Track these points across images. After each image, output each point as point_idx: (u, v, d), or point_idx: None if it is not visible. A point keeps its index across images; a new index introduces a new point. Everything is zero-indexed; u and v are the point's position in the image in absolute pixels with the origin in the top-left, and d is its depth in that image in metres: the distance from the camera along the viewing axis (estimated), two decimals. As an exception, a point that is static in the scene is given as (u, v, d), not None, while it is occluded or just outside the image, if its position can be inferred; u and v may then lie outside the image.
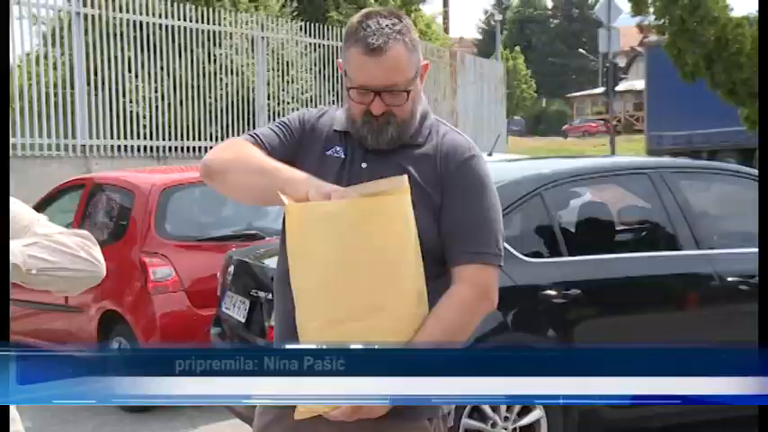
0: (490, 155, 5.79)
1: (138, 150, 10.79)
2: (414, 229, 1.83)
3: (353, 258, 1.78)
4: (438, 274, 1.90)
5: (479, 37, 63.24)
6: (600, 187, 5.35)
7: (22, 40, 10.03)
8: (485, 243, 1.91)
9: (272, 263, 4.12)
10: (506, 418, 3.82)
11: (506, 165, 5.04)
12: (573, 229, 4.55)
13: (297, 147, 1.99)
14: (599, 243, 4.53)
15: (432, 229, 1.90)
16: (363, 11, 1.95)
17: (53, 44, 10.49)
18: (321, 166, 1.96)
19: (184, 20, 11.26)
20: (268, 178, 1.84)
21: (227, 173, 1.91)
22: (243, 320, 4.20)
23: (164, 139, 11.07)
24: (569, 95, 54.91)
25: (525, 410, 3.86)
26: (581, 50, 55.73)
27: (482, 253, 1.90)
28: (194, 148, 11.38)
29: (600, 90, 43.26)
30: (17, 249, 1.76)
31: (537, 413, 3.85)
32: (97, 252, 1.88)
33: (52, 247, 1.81)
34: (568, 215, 4.69)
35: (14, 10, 9.73)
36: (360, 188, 1.85)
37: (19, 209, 1.90)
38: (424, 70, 1.96)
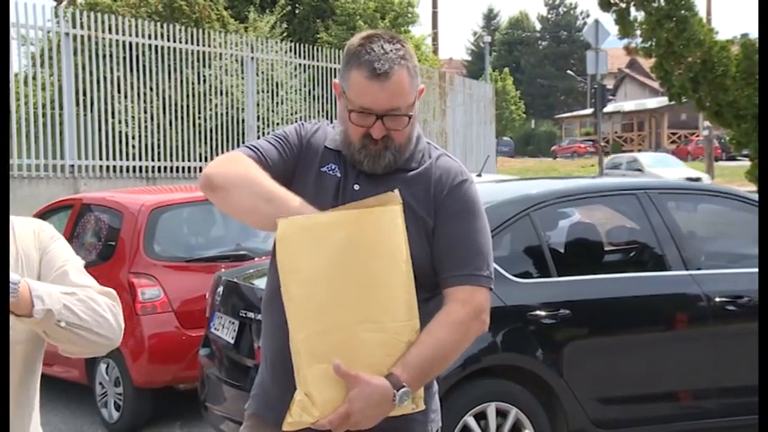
0: (479, 175, 5.83)
1: (127, 171, 10.77)
2: (405, 242, 1.84)
3: (343, 270, 1.79)
4: (427, 299, 1.92)
5: (468, 58, 63.60)
6: (588, 208, 5.38)
7: (11, 62, 10.02)
8: (477, 266, 1.93)
9: (261, 284, 4.11)
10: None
11: (495, 185, 5.06)
12: (561, 250, 4.57)
13: (295, 161, 1.99)
14: (587, 263, 4.55)
15: (423, 252, 1.91)
16: (364, 33, 1.96)
17: (42, 65, 10.50)
18: (318, 183, 1.97)
19: (174, 41, 11.29)
20: (274, 207, 1.83)
21: (231, 191, 1.87)
22: (232, 341, 4.18)
23: (153, 160, 11.06)
24: (558, 116, 55.24)
25: (515, 430, 3.85)
26: (569, 72, 56.12)
27: (475, 275, 1.92)
28: (184, 168, 11.37)
29: (588, 111, 43.57)
30: (56, 295, 1.61)
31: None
32: (120, 319, 1.75)
33: (87, 303, 1.66)
34: (557, 236, 4.71)
35: (4, 30, 9.72)
36: (352, 206, 1.86)
37: (58, 248, 1.78)
38: (419, 94, 1.97)
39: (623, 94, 51.92)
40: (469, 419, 3.76)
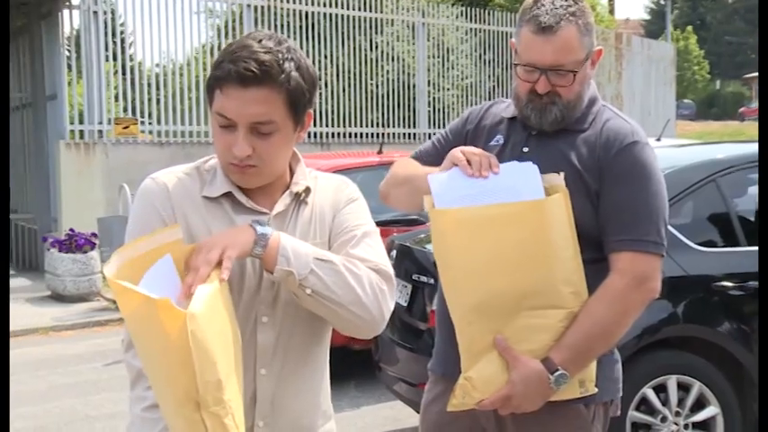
0: (659, 140, 5.55)
1: (303, 137, 11.16)
2: (570, 227, 1.80)
3: (502, 263, 1.78)
4: (596, 260, 1.88)
5: (647, 17, 60.61)
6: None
7: (199, 33, 10.63)
8: (643, 231, 1.87)
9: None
10: (677, 413, 3.66)
11: (677, 150, 4.82)
12: (752, 218, 4.28)
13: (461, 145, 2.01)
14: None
15: (586, 214, 1.87)
16: None
17: (226, 35, 11.03)
18: None
19: (347, 8, 11.52)
20: (408, 185, 2.02)
21: (389, 193, 2.13)
22: (405, 304, 4.25)
23: (327, 126, 11.39)
24: (747, 76, 51.59)
25: (699, 406, 3.68)
26: (760, 28, 52.09)
27: (638, 240, 1.87)
28: (356, 134, 11.64)
29: (781, 70, 40.33)
30: (306, 259, 1.48)
31: (712, 409, 3.66)
32: (387, 303, 1.55)
33: (344, 276, 1.50)
34: (746, 203, 4.41)
35: (192, 4, 10.29)
36: (515, 169, 1.83)
37: (352, 211, 1.64)
38: (597, 56, 1.95)
39: (822, 50, 47.65)
40: (648, 391, 3.63)
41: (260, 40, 1.51)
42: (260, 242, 1.46)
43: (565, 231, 1.80)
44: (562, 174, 1.84)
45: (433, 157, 2.06)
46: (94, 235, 8.52)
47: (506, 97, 2.13)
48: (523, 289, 1.79)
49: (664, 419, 3.65)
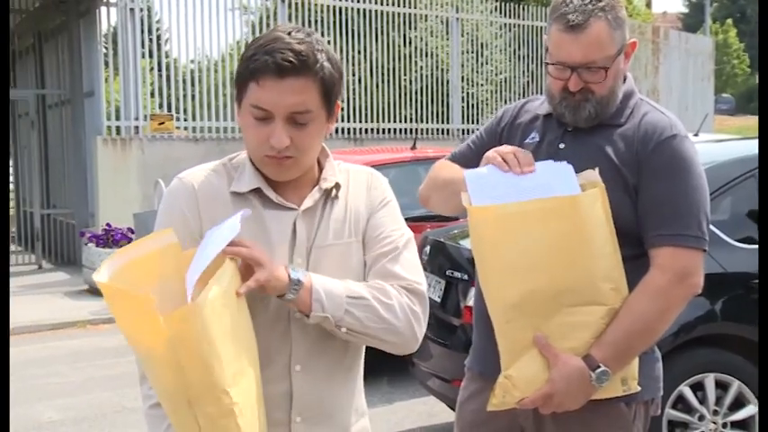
0: (696, 135, 5.48)
1: (336, 132, 11.19)
2: (607, 226, 1.78)
3: (541, 258, 1.77)
4: (636, 255, 1.85)
5: (685, 11, 59.76)
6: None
7: (234, 30, 10.68)
8: (684, 225, 1.84)
9: (466, 243, 4.13)
10: (715, 412, 3.61)
11: (715, 145, 4.75)
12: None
13: (495, 146, 1.99)
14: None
15: (624, 209, 1.85)
16: None
17: (260, 31, 11.07)
18: None
19: (381, 4, 11.51)
20: (448, 188, 1.99)
21: (430, 196, 2.14)
22: (438, 300, 4.24)
23: (360, 121, 11.40)
24: (787, 70, 50.63)
25: (737, 404, 3.62)
26: (801, 20, 51.10)
27: (678, 235, 1.84)
28: (389, 129, 11.63)
29: (822, 63, 39.54)
30: (339, 300, 1.49)
31: (752, 408, 3.60)
32: (421, 324, 1.57)
33: (377, 310, 1.52)
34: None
35: (227, 1, 10.36)
36: (550, 167, 1.84)
37: (386, 216, 1.62)
38: (630, 49, 1.93)
39: None
40: (685, 389, 3.59)
41: (289, 32, 1.50)
42: (293, 288, 1.46)
43: (602, 226, 1.78)
44: (597, 168, 1.82)
45: (469, 159, 2.06)
46: (131, 230, 8.63)
47: (540, 93, 2.13)
48: (562, 286, 1.77)
49: (701, 418, 3.60)
